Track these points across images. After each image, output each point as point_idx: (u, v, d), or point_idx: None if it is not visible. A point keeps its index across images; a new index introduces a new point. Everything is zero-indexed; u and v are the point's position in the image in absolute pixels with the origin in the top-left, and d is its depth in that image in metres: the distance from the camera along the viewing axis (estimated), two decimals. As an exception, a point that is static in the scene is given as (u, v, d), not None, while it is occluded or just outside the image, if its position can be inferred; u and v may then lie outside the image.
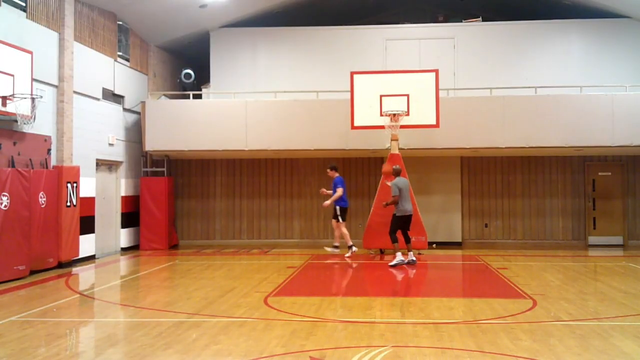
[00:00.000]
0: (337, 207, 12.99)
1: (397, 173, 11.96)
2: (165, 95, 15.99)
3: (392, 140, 13.22)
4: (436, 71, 13.23)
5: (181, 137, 14.32)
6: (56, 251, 11.37)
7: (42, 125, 11.22)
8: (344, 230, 13.06)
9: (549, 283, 9.54)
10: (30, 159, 10.78)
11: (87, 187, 12.73)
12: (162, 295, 8.92)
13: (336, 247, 13.28)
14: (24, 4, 10.99)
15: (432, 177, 15.45)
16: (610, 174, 15.51)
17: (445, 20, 16.83)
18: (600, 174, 15.52)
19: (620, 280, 9.85)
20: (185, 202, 16.11)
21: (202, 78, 16.68)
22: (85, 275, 11.12)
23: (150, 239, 14.73)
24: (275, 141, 14.19)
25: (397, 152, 13.22)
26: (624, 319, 7.04)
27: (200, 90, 16.16)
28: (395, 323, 6.88)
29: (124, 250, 14.45)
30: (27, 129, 10.69)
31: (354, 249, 12.96)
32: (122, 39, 14.58)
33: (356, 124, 13.30)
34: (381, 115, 13.10)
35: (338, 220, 13.03)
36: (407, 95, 13.05)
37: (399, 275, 10.71)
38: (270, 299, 8.28)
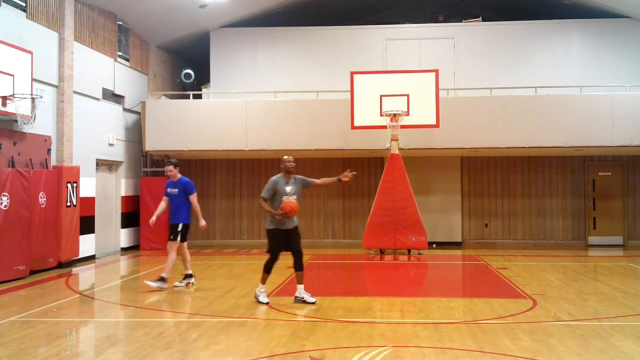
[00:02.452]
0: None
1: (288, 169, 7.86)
2: (165, 95, 15.99)
3: (392, 140, 13.23)
4: (436, 71, 13.25)
5: (181, 137, 14.32)
6: (56, 251, 11.36)
7: (42, 125, 11.22)
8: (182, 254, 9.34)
9: (549, 283, 9.54)
10: (30, 159, 10.78)
11: (87, 187, 12.73)
12: (162, 295, 8.91)
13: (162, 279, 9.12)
14: (24, 4, 10.99)
15: (432, 177, 15.45)
16: (610, 174, 15.51)
17: (445, 20, 16.83)
18: (600, 174, 15.52)
19: (620, 280, 9.84)
20: (185, 202, 16.08)
21: (202, 78, 16.67)
22: (85, 275, 11.11)
23: (151, 239, 14.71)
24: (275, 141, 14.20)
25: (397, 152, 13.23)
26: (624, 319, 7.03)
27: (200, 90, 16.16)
28: (395, 323, 6.88)
29: (124, 250, 14.45)
30: (27, 129, 10.69)
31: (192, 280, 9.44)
32: (122, 39, 14.58)
33: (356, 124, 13.32)
34: (381, 115, 13.11)
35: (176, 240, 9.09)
36: (407, 95, 13.07)
37: (400, 276, 10.71)
38: (270, 299, 8.27)
